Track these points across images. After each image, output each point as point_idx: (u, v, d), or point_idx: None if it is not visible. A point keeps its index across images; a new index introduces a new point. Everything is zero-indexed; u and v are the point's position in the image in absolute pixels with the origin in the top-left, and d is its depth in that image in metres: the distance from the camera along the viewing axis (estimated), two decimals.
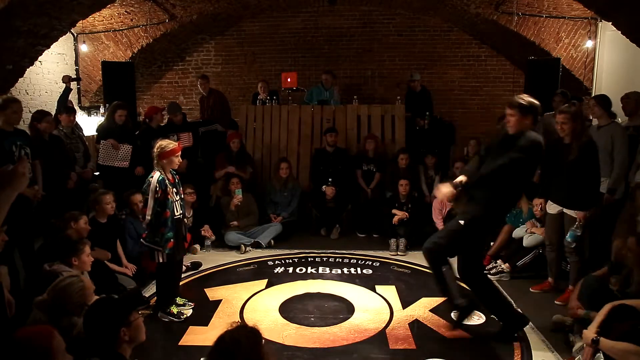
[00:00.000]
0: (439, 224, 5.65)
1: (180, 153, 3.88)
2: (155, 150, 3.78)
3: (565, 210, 4.08)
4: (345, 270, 4.96)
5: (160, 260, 3.76)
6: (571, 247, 4.00)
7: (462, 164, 6.28)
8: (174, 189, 3.83)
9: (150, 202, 3.67)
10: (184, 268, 4.65)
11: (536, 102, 3.35)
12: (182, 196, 4.01)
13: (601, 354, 2.62)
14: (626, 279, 3.32)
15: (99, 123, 6.51)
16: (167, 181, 3.74)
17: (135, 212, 4.77)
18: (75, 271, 3.26)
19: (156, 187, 3.66)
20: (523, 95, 3.43)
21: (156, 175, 3.72)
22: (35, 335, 1.92)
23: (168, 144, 3.81)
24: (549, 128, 4.97)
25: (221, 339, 1.90)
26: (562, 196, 4.10)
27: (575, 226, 3.92)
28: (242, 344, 1.87)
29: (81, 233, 3.94)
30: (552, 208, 4.21)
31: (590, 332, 2.70)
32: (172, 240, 3.75)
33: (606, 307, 2.80)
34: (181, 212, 3.93)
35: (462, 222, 3.41)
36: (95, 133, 6.36)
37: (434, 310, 3.96)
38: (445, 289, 3.54)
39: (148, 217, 3.69)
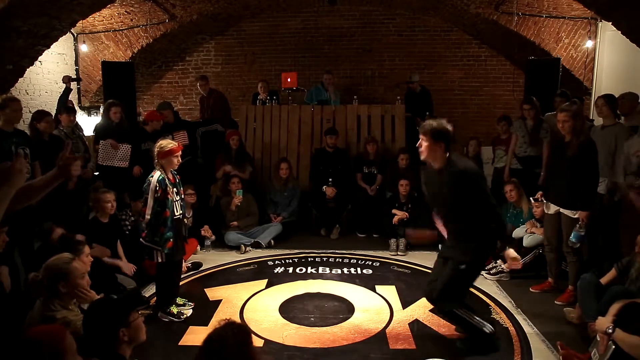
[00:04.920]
0: (440, 225, 5.62)
1: (180, 153, 3.88)
2: (155, 150, 3.80)
3: (562, 210, 4.08)
4: (345, 270, 4.96)
5: (159, 260, 3.77)
6: (576, 247, 3.99)
7: None
8: (174, 189, 3.83)
9: (150, 202, 3.67)
10: (184, 268, 4.66)
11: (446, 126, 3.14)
12: (183, 196, 4.01)
13: (612, 344, 2.63)
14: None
15: (96, 124, 6.52)
16: (167, 181, 3.75)
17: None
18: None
19: (156, 186, 3.67)
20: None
21: (156, 174, 3.73)
22: (47, 334, 1.91)
23: (167, 143, 3.82)
24: (553, 128, 4.97)
25: (209, 339, 1.88)
26: (560, 196, 4.10)
27: (578, 226, 3.92)
28: (229, 343, 1.84)
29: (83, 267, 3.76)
30: (550, 208, 4.21)
31: (606, 321, 2.71)
32: (171, 240, 3.75)
33: (618, 304, 2.81)
34: (181, 212, 3.92)
35: (462, 266, 3.21)
36: (93, 133, 6.37)
37: (434, 310, 3.94)
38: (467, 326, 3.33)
39: (147, 217, 3.70)
